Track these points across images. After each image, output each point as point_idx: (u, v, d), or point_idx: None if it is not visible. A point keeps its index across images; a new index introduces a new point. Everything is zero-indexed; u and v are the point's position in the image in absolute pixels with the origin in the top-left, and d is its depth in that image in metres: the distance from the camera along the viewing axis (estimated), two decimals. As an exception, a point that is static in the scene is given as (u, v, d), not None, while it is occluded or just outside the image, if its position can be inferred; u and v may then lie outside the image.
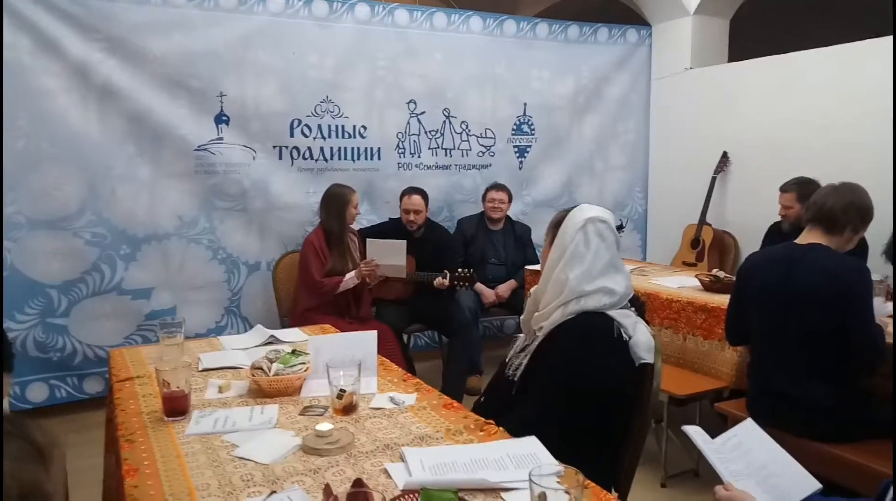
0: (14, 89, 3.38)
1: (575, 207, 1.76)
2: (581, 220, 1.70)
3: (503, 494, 1.27)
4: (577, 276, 1.67)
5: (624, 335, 1.62)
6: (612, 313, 1.64)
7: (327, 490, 1.09)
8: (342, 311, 3.69)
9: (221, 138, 3.92)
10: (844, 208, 2.28)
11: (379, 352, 2.27)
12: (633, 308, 1.71)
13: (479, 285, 4.18)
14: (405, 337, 4.17)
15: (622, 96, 5.14)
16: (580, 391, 1.59)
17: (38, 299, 3.58)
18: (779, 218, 3.80)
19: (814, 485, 1.43)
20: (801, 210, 3.32)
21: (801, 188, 3.54)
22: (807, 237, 2.36)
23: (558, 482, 1.08)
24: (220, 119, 3.91)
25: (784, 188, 3.66)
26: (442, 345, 4.31)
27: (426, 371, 4.12)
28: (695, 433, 1.62)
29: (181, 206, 3.87)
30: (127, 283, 3.77)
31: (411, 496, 1.16)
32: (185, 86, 3.78)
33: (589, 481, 1.31)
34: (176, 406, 1.67)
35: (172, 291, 3.90)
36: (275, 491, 1.27)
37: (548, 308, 1.70)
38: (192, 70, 3.78)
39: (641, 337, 1.63)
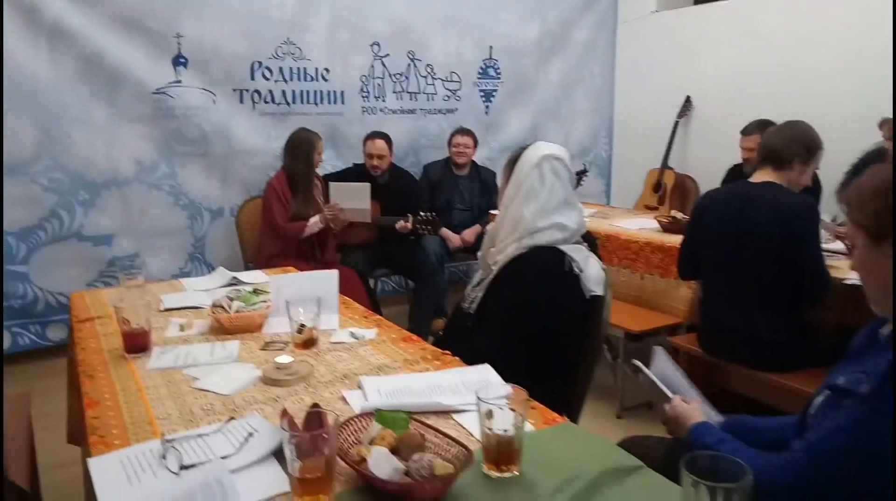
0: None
1: (531, 144, 1.78)
2: (537, 157, 1.73)
3: (455, 416, 1.32)
4: (532, 212, 1.70)
5: (575, 268, 1.67)
6: (563, 247, 1.69)
7: (284, 414, 1.12)
8: (307, 256, 3.70)
9: (180, 81, 3.83)
10: (788, 143, 2.36)
11: (345, 295, 2.31)
12: (585, 244, 1.75)
13: (445, 230, 4.21)
14: (372, 282, 4.21)
15: (588, 40, 5.12)
16: (531, 321, 1.65)
17: (-5, 246, 3.52)
18: (739, 161, 3.87)
19: (715, 418, 1.50)
20: None
21: (763, 130, 3.59)
22: (759, 177, 2.43)
23: (507, 402, 1.13)
24: (178, 61, 3.81)
25: (746, 131, 3.70)
26: (408, 290, 4.36)
27: (393, 315, 4.13)
28: (639, 364, 1.68)
29: (140, 151, 3.80)
30: (87, 229, 3.73)
31: (366, 418, 1.21)
32: (141, 26, 3.67)
33: (537, 402, 1.38)
34: (136, 343, 1.69)
35: (134, 237, 3.86)
36: (233, 417, 1.30)
37: (503, 243, 1.74)
38: (148, 9, 3.67)
39: (592, 271, 1.69)
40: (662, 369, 1.58)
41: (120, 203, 3.79)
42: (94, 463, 1.15)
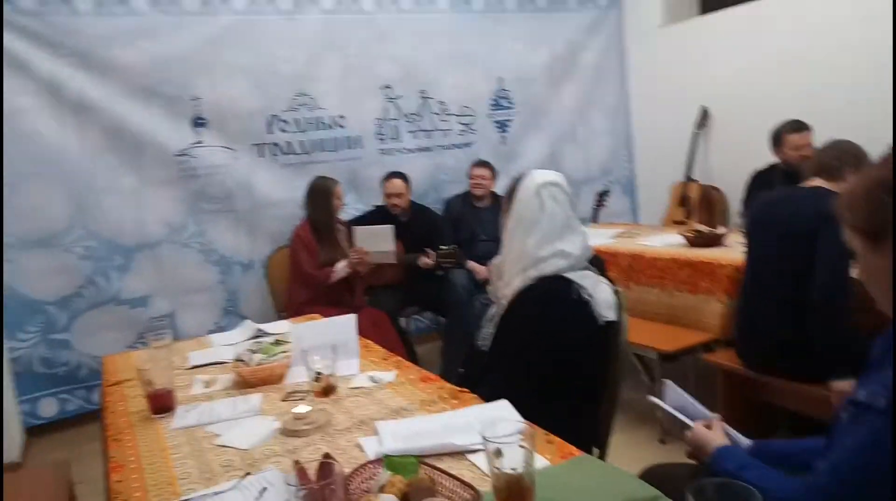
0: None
1: (525, 174, 1.78)
2: (534, 186, 1.73)
3: (469, 456, 1.31)
4: (534, 242, 1.70)
5: (584, 295, 1.65)
6: (570, 275, 1.67)
7: (297, 465, 1.13)
8: (337, 301, 3.73)
9: (200, 142, 3.95)
10: (838, 155, 2.36)
11: (376, 338, 2.33)
12: (593, 268, 1.74)
13: (471, 263, 4.20)
14: (404, 321, 4.22)
15: (598, 61, 5.13)
16: (544, 353, 1.63)
17: (38, 316, 3.64)
18: (762, 167, 3.81)
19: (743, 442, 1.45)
20: None
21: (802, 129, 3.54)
22: (809, 184, 2.40)
23: (519, 439, 1.11)
24: (197, 122, 3.94)
25: (798, 127, 3.56)
26: (440, 326, 4.35)
27: (427, 353, 4.17)
28: (669, 385, 1.64)
29: (168, 212, 3.92)
30: (124, 293, 3.83)
31: (377, 465, 1.20)
32: (158, 92, 3.81)
33: (555, 437, 1.36)
34: (161, 404, 1.72)
35: (169, 296, 3.95)
36: (249, 473, 1.31)
37: (508, 277, 1.73)
38: (162, 76, 3.81)
39: (602, 295, 1.67)
40: (677, 400, 1.54)
41: (153, 265, 3.89)
42: (115, 529, 1.17)
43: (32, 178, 3.57)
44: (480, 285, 4.28)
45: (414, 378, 1.82)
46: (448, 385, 1.73)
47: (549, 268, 1.68)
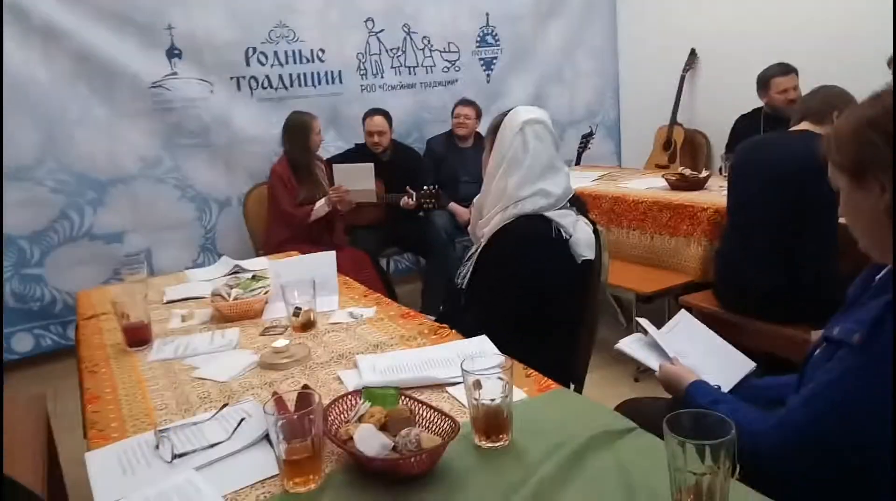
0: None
1: (510, 110, 1.74)
2: (518, 123, 1.68)
3: (448, 389, 1.31)
4: (516, 181, 1.67)
5: (563, 233, 1.64)
6: (549, 214, 1.66)
7: (273, 396, 1.12)
8: (316, 240, 3.69)
9: (175, 73, 3.82)
10: (824, 98, 2.33)
11: (356, 277, 2.31)
12: (573, 208, 1.72)
13: (453, 205, 4.17)
14: (384, 262, 4.20)
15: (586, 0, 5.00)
16: (522, 291, 1.63)
17: (10, 251, 3.57)
18: (747, 111, 3.79)
19: (749, 365, 1.48)
20: None
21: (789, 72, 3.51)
22: (796, 128, 2.38)
23: (498, 372, 1.11)
24: (172, 53, 3.79)
25: (786, 70, 3.53)
26: (420, 267, 4.35)
27: (407, 295, 4.17)
28: (644, 323, 1.66)
29: (142, 146, 3.81)
30: (97, 228, 3.76)
31: (356, 396, 1.20)
32: (131, 20, 3.65)
33: (533, 370, 1.36)
34: (137, 336, 1.70)
35: (145, 233, 3.88)
36: (227, 404, 1.31)
37: (488, 215, 1.71)
38: (135, 2, 3.64)
39: (581, 235, 1.66)
40: (687, 328, 1.55)
41: (127, 200, 3.81)
42: (91, 457, 1.17)
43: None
44: (462, 228, 4.27)
45: (394, 315, 1.82)
46: (428, 322, 1.72)
47: (529, 206, 1.65)
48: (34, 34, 3.45)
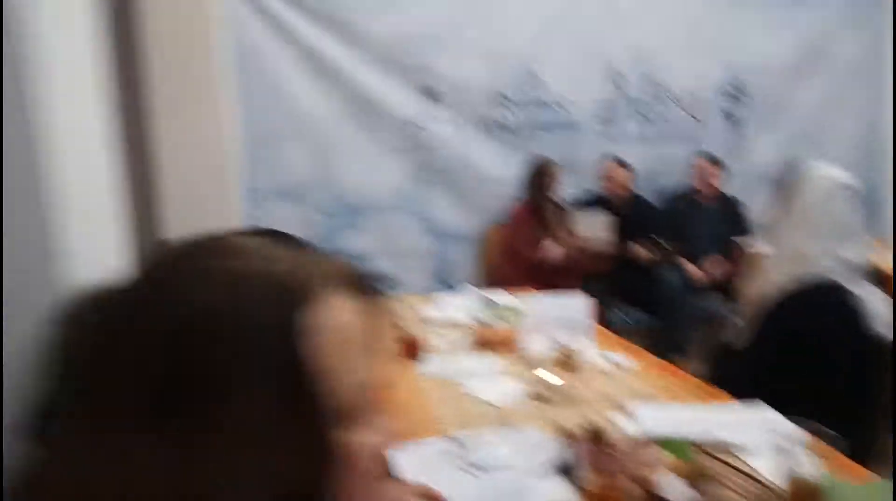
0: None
1: (807, 163, 1.63)
2: (826, 184, 1.58)
3: (739, 454, 1.24)
4: (814, 243, 1.56)
5: (856, 305, 1.48)
6: (842, 281, 1.51)
7: (568, 431, 1.14)
8: (547, 282, 3.73)
9: (430, 112, 4.13)
10: None
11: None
12: (865, 279, 1.56)
13: (687, 264, 3.97)
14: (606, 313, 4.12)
15: (853, 55, 4.58)
16: (805, 359, 1.50)
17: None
18: None
19: None
20: None
21: None
22: None
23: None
24: (428, 94, 4.12)
25: None
26: (643, 324, 4.20)
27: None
28: None
29: (395, 179, 4.17)
30: (345, 248, 4.13)
31: (642, 443, 1.17)
32: (400, 63, 4.04)
33: (831, 449, 1.25)
34: (412, 349, 1.83)
35: (385, 258, 4.19)
36: (506, 426, 1.36)
37: (772, 272, 1.60)
38: (403, 46, 4.02)
39: (876, 307, 1.49)
40: None
41: (376, 227, 4.18)
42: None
43: (284, 135, 3.97)
44: (693, 288, 4.05)
45: (650, 365, 1.77)
46: (692, 378, 1.66)
47: (821, 270, 1.53)
48: (324, 76, 3.97)
